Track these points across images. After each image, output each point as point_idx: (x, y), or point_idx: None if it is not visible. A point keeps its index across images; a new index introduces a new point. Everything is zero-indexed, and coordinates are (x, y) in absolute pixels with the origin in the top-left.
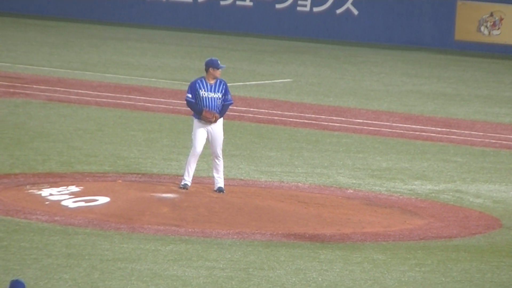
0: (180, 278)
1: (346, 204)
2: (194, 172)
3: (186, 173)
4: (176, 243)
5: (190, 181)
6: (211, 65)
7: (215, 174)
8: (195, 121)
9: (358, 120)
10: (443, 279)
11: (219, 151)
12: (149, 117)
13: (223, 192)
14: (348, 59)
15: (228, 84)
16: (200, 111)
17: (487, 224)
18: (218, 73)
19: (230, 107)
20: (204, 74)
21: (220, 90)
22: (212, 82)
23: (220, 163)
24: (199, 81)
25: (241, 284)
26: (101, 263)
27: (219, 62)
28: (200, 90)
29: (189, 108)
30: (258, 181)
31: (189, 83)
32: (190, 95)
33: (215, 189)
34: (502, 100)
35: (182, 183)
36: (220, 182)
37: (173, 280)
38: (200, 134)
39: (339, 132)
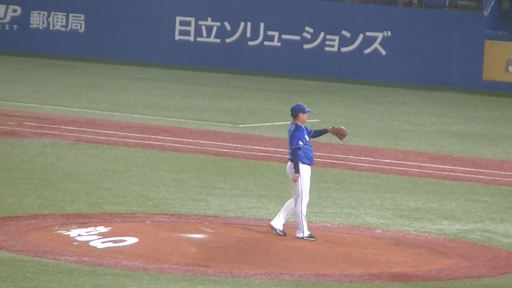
0: None
1: (375, 244)
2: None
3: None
4: (205, 284)
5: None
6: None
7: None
8: (303, 167)
9: (387, 160)
10: None
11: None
12: (178, 158)
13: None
14: (377, 99)
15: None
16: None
17: None
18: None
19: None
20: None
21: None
22: None
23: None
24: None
25: None
26: None
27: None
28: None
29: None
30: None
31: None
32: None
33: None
34: None
35: (308, 234)
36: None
37: None
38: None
39: (368, 172)
